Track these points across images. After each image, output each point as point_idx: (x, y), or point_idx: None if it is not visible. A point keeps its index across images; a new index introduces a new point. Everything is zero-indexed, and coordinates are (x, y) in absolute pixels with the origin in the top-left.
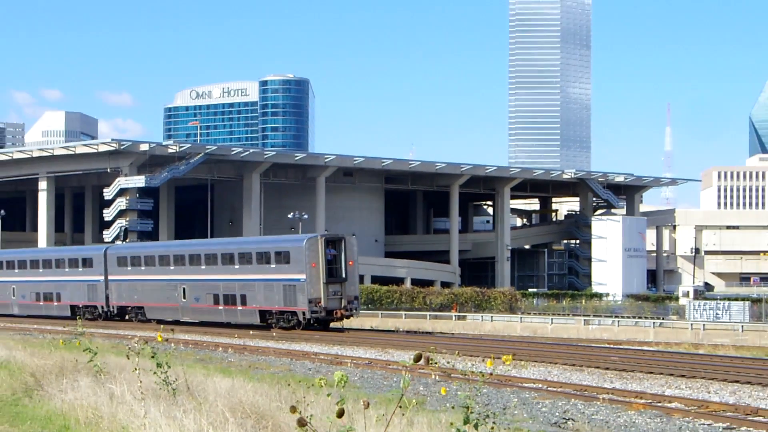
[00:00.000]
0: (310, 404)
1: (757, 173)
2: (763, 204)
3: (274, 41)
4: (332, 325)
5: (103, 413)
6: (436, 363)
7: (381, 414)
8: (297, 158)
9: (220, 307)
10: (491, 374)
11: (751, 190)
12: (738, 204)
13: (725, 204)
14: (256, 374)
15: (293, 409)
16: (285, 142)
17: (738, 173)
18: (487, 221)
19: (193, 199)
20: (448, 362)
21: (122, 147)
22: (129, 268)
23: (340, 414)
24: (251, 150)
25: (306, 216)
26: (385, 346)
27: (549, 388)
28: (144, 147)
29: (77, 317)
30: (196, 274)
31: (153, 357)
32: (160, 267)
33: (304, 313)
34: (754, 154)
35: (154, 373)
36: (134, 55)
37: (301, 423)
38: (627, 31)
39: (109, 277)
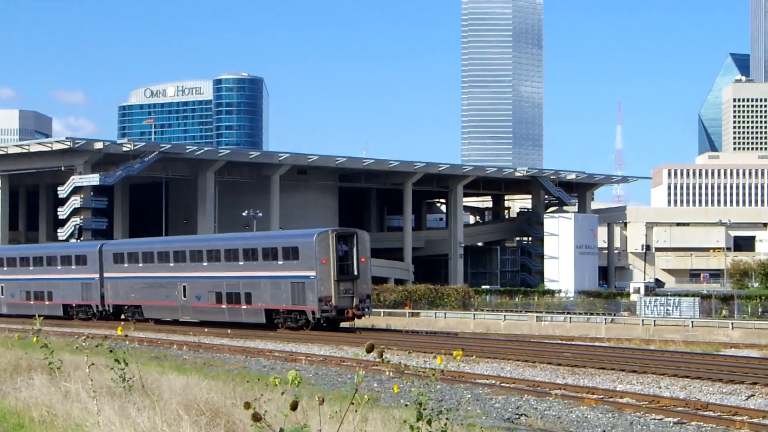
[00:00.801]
0: (265, 402)
1: (706, 171)
2: (713, 201)
3: (229, 40)
4: (342, 324)
5: (57, 411)
6: (387, 361)
7: (335, 411)
8: (251, 156)
9: (223, 306)
10: (443, 371)
11: (700, 187)
12: (688, 202)
13: (675, 202)
14: (211, 372)
15: (247, 405)
16: (239, 140)
17: (688, 171)
18: (441, 219)
19: (147, 197)
20: (401, 359)
21: (77, 145)
22: (126, 265)
23: (294, 406)
24: (206, 148)
25: (260, 214)
26: (339, 343)
27: (502, 384)
28: (98, 145)
29: (72, 317)
30: (198, 271)
31: (111, 352)
32: (159, 264)
33: (313, 313)
34: (703, 153)
35: (111, 368)
36: (88, 54)
37: (256, 417)
38: (578, 31)
39: (105, 275)
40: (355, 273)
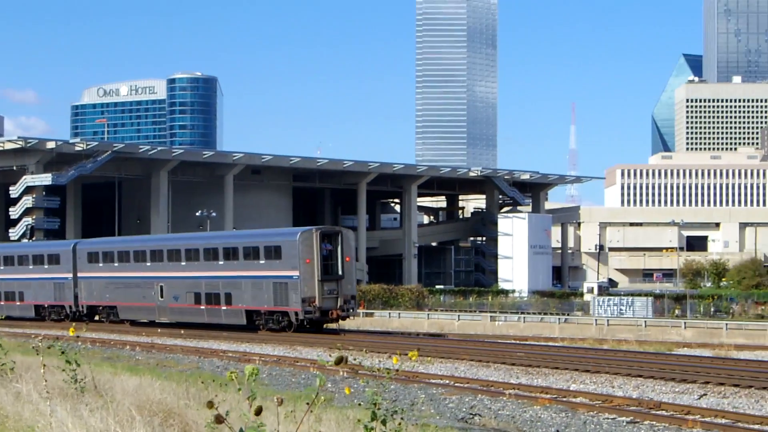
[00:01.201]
0: (220, 402)
1: (659, 171)
2: (666, 202)
3: (182, 39)
4: (326, 326)
5: (8, 413)
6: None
7: (290, 411)
8: (205, 156)
9: (202, 307)
10: (397, 371)
11: (653, 188)
12: (641, 202)
13: (629, 201)
14: (164, 372)
15: (210, 405)
16: (193, 140)
17: (641, 171)
18: (395, 219)
19: (100, 197)
20: (355, 359)
21: (29, 145)
22: (101, 265)
23: (258, 411)
24: (159, 148)
25: (214, 214)
26: (293, 343)
27: (456, 384)
28: (51, 145)
29: (44, 318)
30: (176, 271)
31: (63, 353)
32: (135, 263)
33: (296, 314)
34: (656, 153)
35: (63, 370)
36: (39, 52)
37: (219, 420)
38: (532, 31)
39: (79, 275)
40: (340, 273)
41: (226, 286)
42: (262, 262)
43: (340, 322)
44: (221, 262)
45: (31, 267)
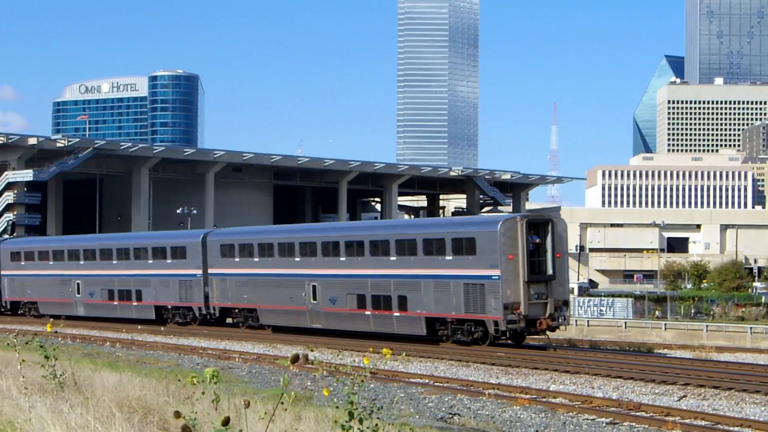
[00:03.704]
0: (198, 400)
1: (640, 172)
2: (647, 203)
3: (164, 36)
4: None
5: None
6: (316, 362)
7: (269, 409)
8: (186, 154)
9: (367, 312)
10: (375, 372)
11: (634, 188)
12: (622, 202)
13: (609, 202)
14: (144, 369)
15: (177, 414)
16: (174, 137)
17: (622, 172)
18: (376, 218)
19: (81, 193)
20: (339, 357)
21: (10, 141)
22: (237, 260)
23: (225, 422)
24: (140, 145)
25: (195, 211)
26: (273, 341)
27: (435, 384)
28: (32, 141)
29: (166, 321)
30: (333, 268)
31: (41, 348)
32: (280, 258)
33: (496, 323)
34: (637, 154)
35: (42, 366)
36: (18, 49)
37: (185, 430)
38: (514, 31)
39: (210, 271)
40: (550, 272)
41: (399, 286)
42: (448, 258)
43: (548, 333)
44: (393, 258)
45: (150, 261)
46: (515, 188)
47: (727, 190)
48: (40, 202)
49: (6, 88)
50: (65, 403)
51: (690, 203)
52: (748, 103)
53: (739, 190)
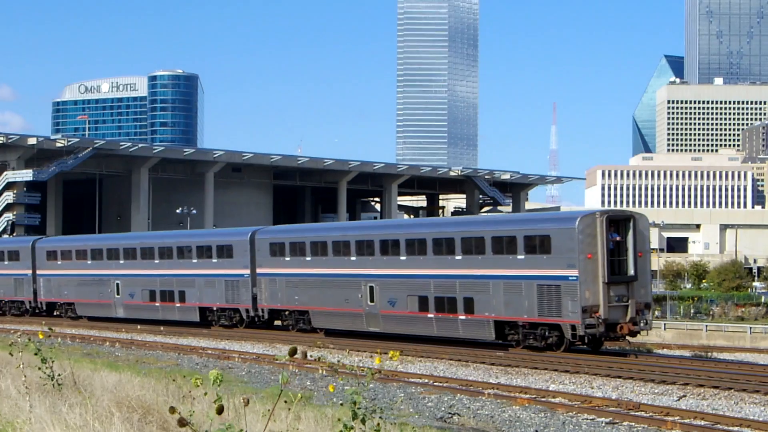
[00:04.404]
0: (196, 399)
1: (640, 172)
2: (646, 203)
3: (164, 37)
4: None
5: None
6: (316, 361)
7: (267, 409)
8: (186, 153)
9: (430, 315)
10: (379, 371)
11: (634, 188)
12: (621, 202)
13: (609, 202)
14: (144, 369)
15: (172, 410)
16: (174, 137)
17: (621, 172)
18: (375, 218)
19: (81, 193)
20: (338, 358)
21: (10, 141)
22: (287, 259)
23: (219, 411)
24: (140, 145)
25: (194, 211)
26: (273, 341)
27: (435, 384)
28: (32, 141)
29: (211, 323)
30: (393, 268)
31: (37, 353)
32: (335, 257)
33: (573, 328)
34: (637, 154)
35: (39, 368)
36: (16, 49)
37: (182, 423)
38: (514, 31)
39: (258, 271)
40: (632, 273)
41: (466, 288)
42: (520, 257)
43: (629, 338)
44: (459, 257)
45: (194, 260)
46: (515, 188)
47: (726, 190)
48: (39, 202)
49: (4, 88)
50: (64, 403)
51: (689, 203)
52: (747, 103)
53: (739, 190)
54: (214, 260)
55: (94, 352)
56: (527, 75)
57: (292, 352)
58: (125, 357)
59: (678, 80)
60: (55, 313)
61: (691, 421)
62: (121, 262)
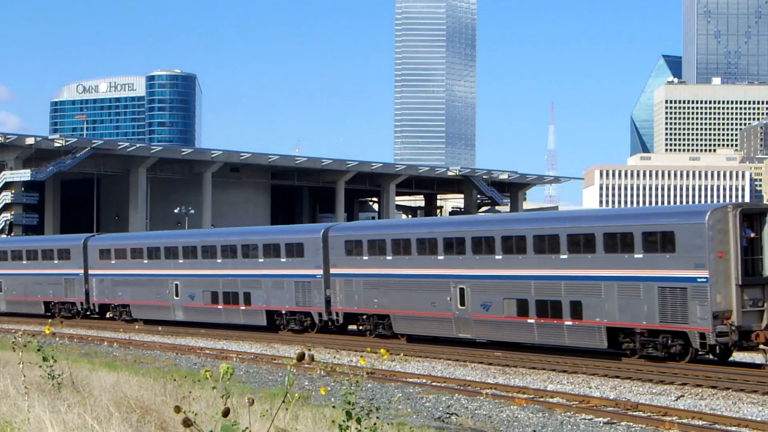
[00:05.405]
0: (195, 399)
1: (638, 172)
2: (644, 202)
3: (161, 36)
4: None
5: None
6: (318, 362)
7: (266, 409)
8: (184, 153)
9: (530, 321)
10: (372, 372)
11: (632, 188)
12: (619, 202)
13: (607, 202)
14: (142, 369)
15: (177, 409)
16: (172, 137)
17: (619, 172)
18: (373, 217)
19: (79, 193)
20: (335, 358)
21: (8, 140)
22: (365, 258)
23: (226, 413)
24: (138, 145)
25: (192, 211)
26: (270, 341)
27: (433, 383)
28: (30, 140)
29: (280, 327)
30: (484, 268)
31: (39, 351)
32: (419, 257)
33: (702, 336)
34: (635, 154)
35: (40, 366)
36: (12, 48)
37: (186, 423)
38: (511, 31)
39: (332, 271)
40: None
41: (572, 290)
42: (638, 256)
43: (764, 348)
44: (564, 256)
45: (261, 260)
46: (513, 188)
47: (724, 189)
48: (37, 202)
49: (1, 88)
50: (63, 403)
51: (687, 203)
52: (745, 102)
53: (737, 189)
54: (283, 259)
55: (92, 352)
56: (525, 75)
57: (300, 358)
58: (123, 357)
59: (676, 80)
60: (107, 315)
61: (689, 421)
62: (181, 261)
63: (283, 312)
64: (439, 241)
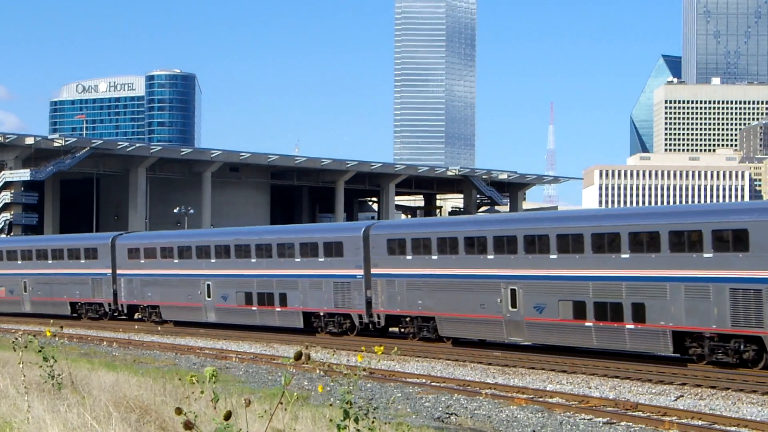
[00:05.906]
0: (195, 400)
1: (637, 172)
2: (644, 202)
3: (161, 36)
4: None
5: None
6: (313, 362)
7: (264, 410)
8: (183, 153)
9: (588, 324)
10: (371, 371)
11: (631, 188)
12: (619, 202)
13: (606, 202)
14: (141, 368)
15: (178, 411)
16: (171, 137)
17: (619, 172)
18: (372, 217)
19: (78, 193)
20: (334, 357)
21: (7, 140)
22: (409, 258)
23: (227, 416)
24: (137, 144)
25: (192, 211)
26: (270, 341)
27: (432, 383)
28: (29, 140)
29: (317, 330)
30: (540, 268)
31: (40, 351)
32: (467, 256)
33: None
34: (634, 153)
35: (39, 366)
36: (11, 48)
37: (188, 426)
38: (511, 31)
39: (373, 271)
40: None
41: (634, 291)
42: (707, 255)
43: None
44: (625, 255)
45: (297, 259)
46: (512, 188)
47: (724, 189)
48: (37, 202)
49: (0, 88)
50: (63, 403)
51: (687, 203)
52: (745, 102)
53: (736, 189)
54: (321, 259)
55: (91, 352)
56: (525, 74)
57: (297, 357)
58: (122, 357)
59: (675, 80)
60: (136, 316)
61: (689, 421)
62: (213, 260)
63: (321, 314)
64: (489, 240)
